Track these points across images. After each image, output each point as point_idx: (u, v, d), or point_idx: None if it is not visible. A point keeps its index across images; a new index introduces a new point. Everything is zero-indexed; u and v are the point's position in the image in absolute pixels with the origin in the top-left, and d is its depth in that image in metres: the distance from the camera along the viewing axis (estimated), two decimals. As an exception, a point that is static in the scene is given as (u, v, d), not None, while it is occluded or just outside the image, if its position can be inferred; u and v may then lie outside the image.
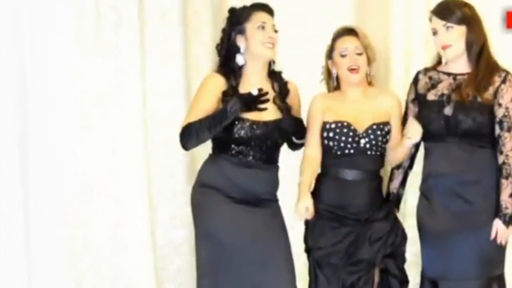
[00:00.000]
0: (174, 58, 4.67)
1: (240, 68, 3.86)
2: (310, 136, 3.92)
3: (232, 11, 3.90)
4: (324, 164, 3.93)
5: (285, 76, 3.95)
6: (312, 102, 3.95)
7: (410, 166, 4.02)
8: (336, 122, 3.87)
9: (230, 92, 3.80)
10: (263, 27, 3.84)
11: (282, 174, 3.95)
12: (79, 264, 4.61)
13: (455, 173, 3.78)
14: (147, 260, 4.66)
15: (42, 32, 4.56)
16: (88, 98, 4.62)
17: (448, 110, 3.78)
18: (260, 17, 3.86)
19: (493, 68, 3.80)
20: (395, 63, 4.69)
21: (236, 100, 3.73)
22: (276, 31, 3.87)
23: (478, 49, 3.78)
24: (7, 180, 4.53)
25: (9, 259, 4.53)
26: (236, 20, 3.87)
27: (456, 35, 3.77)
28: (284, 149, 3.96)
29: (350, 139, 3.84)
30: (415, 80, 3.93)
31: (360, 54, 3.88)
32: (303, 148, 3.96)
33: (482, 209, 3.77)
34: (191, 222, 4.67)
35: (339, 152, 3.86)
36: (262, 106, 3.74)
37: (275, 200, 3.91)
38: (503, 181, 3.74)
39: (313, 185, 3.93)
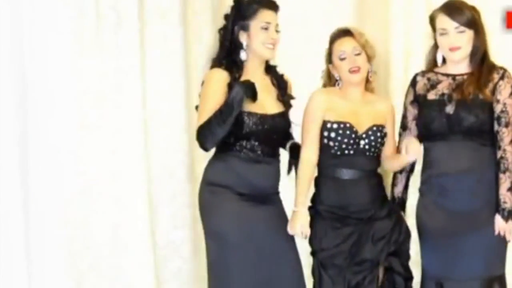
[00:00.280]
0: (174, 58, 4.67)
1: (243, 62, 3.87)
2: (307, 134, 3.88)
3: (238, 1, 3.88)
4: (322, 164, 3.92)
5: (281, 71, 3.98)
6: (311, 99, 3.91)
7: (412, 169, 4.01)
8: (338, 123, 3.86)
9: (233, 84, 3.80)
10: (266, 28, 3.84)
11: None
12: (79, 264, 4.61)
13: (457, 172, 3.78)
14: (147, 260, 4.66)
15: (42, 32, 4.56)
16: (88, 98, 4.62)
17: (450, 108, 3.79)
18: (265, 16, 3.85)
19: (491, 66, 3.83)
20: (395, 63, 4.69)
21: (238, 88, 3.72)
22: (278, 31, 3.88)
23: (481, 53, 3.81)
24: (7, 180, 4.53)
25: (9, 259, 4.53)
26: (241, 13, 3.86)
27: (466, 38, 3.79)
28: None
29: (351, 141, 3.84)
30: (413, 82, 3.94)
31: (358, 54, 3.88)
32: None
33: (484, 208, 3.78)
34: (191, 222, 4.70)
35: (338, 153, 3.86)
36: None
37: (277, 193, 3.92)
38: (501, 175, 3.76)
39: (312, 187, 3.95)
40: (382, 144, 3.90)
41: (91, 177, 4.63)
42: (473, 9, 3.82)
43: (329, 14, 4.67)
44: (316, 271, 3.91)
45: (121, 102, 4.64)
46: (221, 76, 3.82)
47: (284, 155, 3.98)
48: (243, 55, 3.86)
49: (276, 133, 3.87)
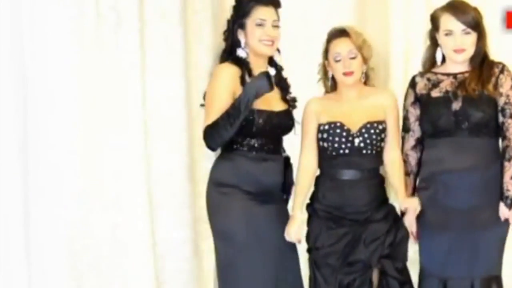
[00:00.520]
0: (174, 58, 4.66)
1: (246, 59, 3.89)
2: (305, 140, 3.93)
3: (237, 1, 3.93)
4: (321, 165, 3.94)
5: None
6: (306, 107, 3.96)
7: (419, 172, 3.99)
8: (329, 123, 3.88)
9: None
10: (260, 25, 3.86)
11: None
12: (79, 264, 4.61)
13: (461, 169, 3.79)
14: (147, 260, 4.66)
15: (42, 32, 4.55)
16: (88, 98, 4.62)
17: (456, 105, 3.81)
18: (259, 13, 3.88)
19: (491, 63, 3.87)
20: (395, 63, 4.70)
21: (261, 81, 3.72)
22: (276, 27, 3.89)
23: (482, 55, 3.82)
24: (7, 180, 4.53)
25: (9, 259, 4.53)
26: (238, 13, 3.90)
27: (472, 40, 3.81)
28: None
29: (343, 139, 3.85)
30: (412, 84, 3.95)
31: (353, 58, 3.87)
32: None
33: (487, 206, 3.80)
34: (191, 222, 4.71)
35: (334, 153, 3.87)
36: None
37: (282, 197, 3.95)
38: (506, 163, 3.79)
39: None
40: (380, 140, 3.89)
41: (91, 177, 4.62)
42: (476, 10, 3.84)
43: (329, 14, 4.67)
44: (310, 270, 3.93)
45: (121, 102, 4.64)
46: (230, 71, 3.85)
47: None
48: (240, 52, 3.89)
49: (282, 130, 3.91)
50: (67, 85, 4.59)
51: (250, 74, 3.87)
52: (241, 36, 3.90)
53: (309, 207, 3.95)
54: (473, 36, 3.82)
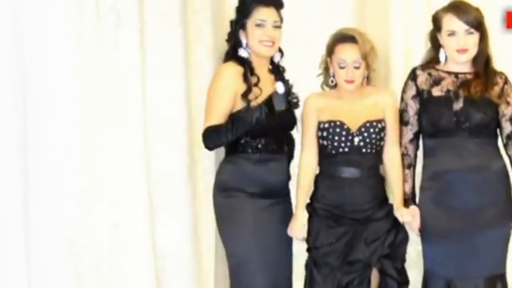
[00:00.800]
0: (174, 58, 4.66)
1: (248, 59, 3.91)
2: (305, 138, 3.94)
3: (240, 2, 3.95)
4: (320, 163, 3.95)
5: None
6: (305, 102, 3.96)
7: (415, 164, 3.99)
8: (329, 122, 3.88)
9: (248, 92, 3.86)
10: (260, 25, 3.87)
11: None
12: (79, 264, 4.60)
13: (463, 169, 3.80)
14: (147, 260, 4.66)
15: (42, 32, 4.55)
16: (88, 98, 4.62)
17: (457, 105, 3.81)
18: (259, 14, 3.89)
19: (494, 71, 3.89)
20: (395, 63, 4.69)
21: (260, 108, 3.78)
22: (277, 27, 3.89)
23: (485, 56, 3.83)
24: (7, 180, 4.52)
25: (9, 259, 4.53)
26: (240, 14, 3.93)
27: (475, 40, 3.82)
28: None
29: (343, 138, 3.86)
30: (413, 76, 3.94)
31: (358, 67, 3.87)
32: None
33: (490, 205, 3.80)
34: (191, 222, 4.70)
35: (333, 151, 3.88)
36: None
37: (288, 194, 3.98)
38: None
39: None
40: (379, 139, 3.90)
41: (91, 177, 4.62)
42: (478, 10, 3.85)
43: (329, 14, 4.67)
44: (308, 269, 3.93)
45: (121, 102, 4.63)
46: (232, 71, 3.87)
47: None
48: (242, 52, 3.92)
49: (284, 128, 3.93)
50: (67, 85, 4.59)
51: (252, 73, 3.88)
52: (242, 36, 3.93)
53: (309, 206, 3.95)
54: (475, 36, 3.83)
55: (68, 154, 4.60)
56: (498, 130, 3.88)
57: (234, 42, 3.94)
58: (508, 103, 3.84)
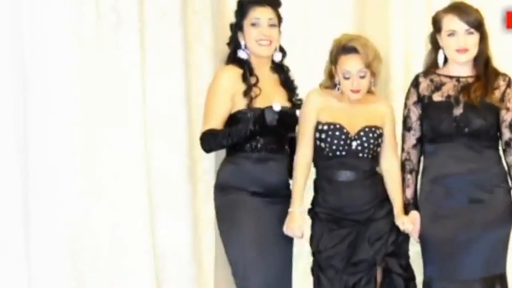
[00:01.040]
0: (174, 58, 4.66)
1: (247, 60, 3.92)
2: (303, 135, 3.93)
3: (237, 4, 3.98)
4: (317, 167, 3.94)
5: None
6: (306, 99, 3.95)
7: (418, 169, 3.99)
8: (328, 124, 3.87)
9: (248, 91, 3.88)
10: (255, 24, 3.89)
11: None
12: (79, 264, 4.60)
13: (461, 174, 3.80)
14: (147, 260, 4.65)
15: (42, 32, 4.54)
16: (88, 98, 4.62)
17: (457, 111, 3.81)
18: (254, 13, 3.91)
19: (496, 72, 3.87)
20: (395, 63, 4.69)
21: (246, 127, 3.81)
22: (273, 26, 3.90)
23: (485, 57, 3.82)
24: (7, 180, 4.52)
25: (9, 259, 4.53)
26: (237, 16, 3.96)
27: (475, 41, 3.82)
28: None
29: (342, 142, 3.85)
30: (415, 84, 3.94)
31: (363, 77, 3.86)
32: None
33: (490, 208, 3.79)
34: (191, 222, 4.70)
35: (330, 154, 3.87)
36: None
37: (288, 194, 3.95)
38: None
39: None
40: (377, 145, 3.90)
41: (91, 177, 4.62)
42: (478, 12, 3.85)
43: (329, 15, 4.67)
44: (314, 273, 3.93)
45: (121, 102, 4.63)
46: (229, 74, 3.89)
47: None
48: (241, 54, 3.94)
49: (285, 128, 3.91)
50: (67, 85, 4.59)
51: (251, 74, 3.89)
52: (241, 38, 3.95)
53: (311, 211, 3.95)
54: (476, 37, 3.82)
55: (68, 154, 4.60)
56: (498, 134, 3.87)
57: (234, 45, 3.95)
58: (508, 109, 3.83)
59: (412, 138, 3.94)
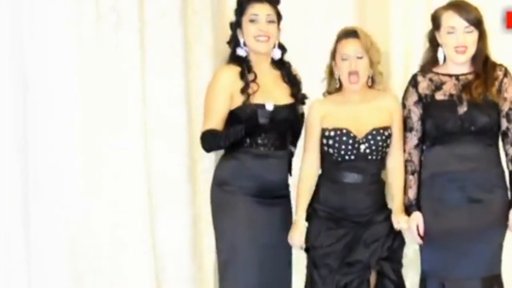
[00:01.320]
0: (174, 58, 4.66)
1: (246, 57, 3.92)
2: (307, 145, 3.94)
3: (237, 2, 3.98)
4: (324, 167, 3.93)
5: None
6: (310, 109, 3.96)
7: (420, 170, 3.99)
8: (335, 130, 3.86)
9: (246, 88, 3.88)
10: (253, 20, 3.89)
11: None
12: (79, 264, 4.61)
13: (463, 172, 3.80)
14: (147, 260, 4.66)
15: (42, 32, 4.55)
16: (88, 98, 4.62)
17: (461, 109, 3.81)
18: (252, 9, 3.92)
19: (493, 65, 3.87)
20: (395, 63, 4.69)
21: (242, 128, 3.82)
22: (271, 22, 3.90)
23: (484, 55, 3.82)
24: (7, 180, 4.53)
25: (9, 259, 4.53)
26: (237, 13, 3.96)
27: (473, 39, 3.82)
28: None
29: (350, 146, 3.84)
30: (414, 83, 3.93)
31: (360, 57, 3.87)
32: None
33: (491, 207, 3.79)
34: (191, 223, 4.70)
35: (339, 159, 3.86)
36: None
37: (288, 195, 3.96)
38: None
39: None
40: (386, 146, 3.89)
41: (91, 177, 4.62)
42: (478, 10, 3.85)
43: (330, 15, 4.67)
44: (308, 270, 3.92)
45: (121, 102, 4.64)
46: (227, 73, 3.89)
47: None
48: (240, 51, 3.94)
49: (287, 124, 3.91)
50: (67, 85, 4.59)
51: (250, 71, 3.89)
52: (240, 35, 3.95)
53: (309, 207, 3.94)
54: (474, 35, 3.82)
55: (68, 154, 4.60)
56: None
57: (234, 43, 3.96)
58: (505, 99, 3.82)
59: (414, 139, 3.93)
